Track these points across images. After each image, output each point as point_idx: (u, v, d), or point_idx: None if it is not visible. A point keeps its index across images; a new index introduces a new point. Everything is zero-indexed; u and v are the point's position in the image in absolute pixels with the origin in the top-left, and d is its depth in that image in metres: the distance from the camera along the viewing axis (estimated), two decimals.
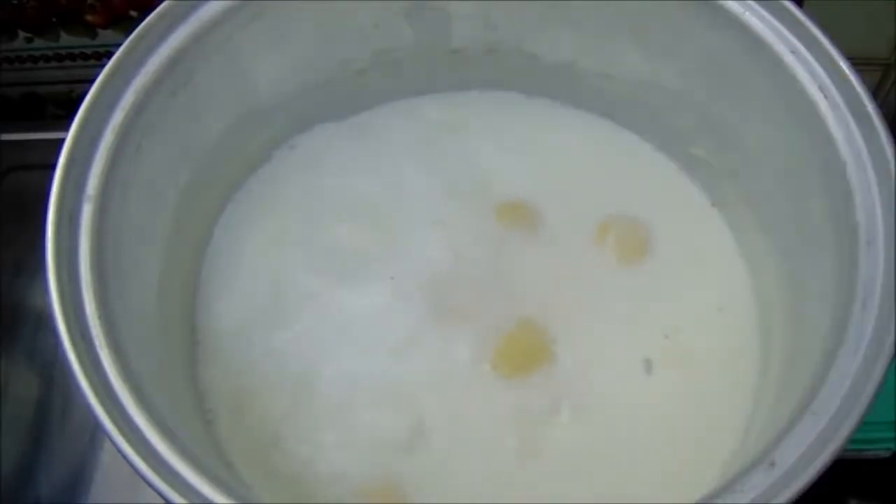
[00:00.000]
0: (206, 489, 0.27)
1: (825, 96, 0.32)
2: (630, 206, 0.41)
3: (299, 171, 0.42)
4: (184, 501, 0.27)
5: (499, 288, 0.39)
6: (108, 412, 0.28)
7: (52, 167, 0.32)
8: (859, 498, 0.45)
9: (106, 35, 0.57)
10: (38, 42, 0.58)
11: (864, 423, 0.27)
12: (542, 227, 0.41)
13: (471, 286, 0.39)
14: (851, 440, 0.27)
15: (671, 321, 0.38)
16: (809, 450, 0.27)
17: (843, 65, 0.32)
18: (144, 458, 0.28)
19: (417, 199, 0.41)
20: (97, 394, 0.29)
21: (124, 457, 0.28)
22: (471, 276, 0.39)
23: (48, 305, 0.30)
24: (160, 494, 0.27)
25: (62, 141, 0.32)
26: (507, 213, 0.41)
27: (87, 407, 0.28)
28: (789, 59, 0.33)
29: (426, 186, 0.42)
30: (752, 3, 0.33)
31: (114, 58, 0.33)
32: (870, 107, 0.31)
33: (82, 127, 0.32)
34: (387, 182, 0.42)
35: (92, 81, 0.33)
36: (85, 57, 0.58)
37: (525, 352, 0.38)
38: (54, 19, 0.58)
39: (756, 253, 0.39)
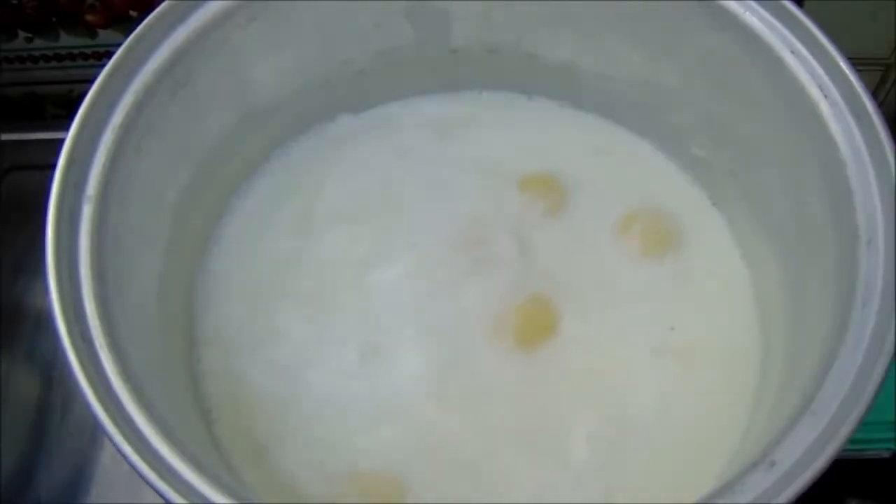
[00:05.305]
0: (206, 489, 0.27)
1: (825, 96, 0.32)
2: (631, 206, 0.41)
3: (300, 170, 0.42)
4: (184, 501, 0.27)
5: (518, 254, 0.40)
6: (108, 412, 0.28)
7: (52, 167, 0.32)
8: (859, 498, 0.45)
9: (106, 35, 0.57)
10: (38, 42, 0.58)
11: (864, 423, 0.27)
12: (563, 204, 0.41)
13: (492, 253, 0.40)
14: (851, 440, 0.27)
15: (670, 318, 0.38)
16: (809, 450, 0.27)
17: (843, 65, 0.32)
18: (144, 458, 0.28)
19: (428, 190, 0.41)
20: (97, 394, 0.29)
21: (124, 457, 0.28)
22: (491, 245, 0.40)
23: (48, 305, 0.30)
24: (160, 494, 0.27)
25: (62, 141, 0.32)
26: (529, 184, 0.41)
27: (87, 407, 0.28)
28: (789, 59, 0.33)
29: (435, 176, 0.42)
30: (752, 3, 0.33)
31: (114, 58, 0.33)
32: (870, 107, 0.31)
33: (82, 127, 0.32)
34: (394, 178, 0.42)
35: (92, 81, 0.33)
36: (85, 57, 0.58)
37: (534, 325, 0.38)
38: (54, 19, 0.58)
39: (756, 253, 0.39)
